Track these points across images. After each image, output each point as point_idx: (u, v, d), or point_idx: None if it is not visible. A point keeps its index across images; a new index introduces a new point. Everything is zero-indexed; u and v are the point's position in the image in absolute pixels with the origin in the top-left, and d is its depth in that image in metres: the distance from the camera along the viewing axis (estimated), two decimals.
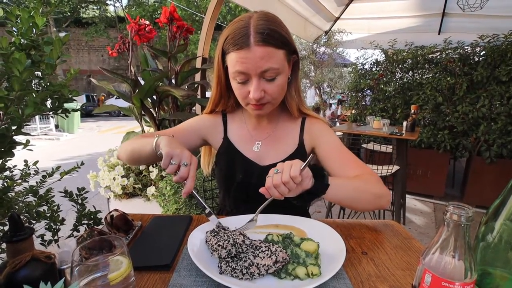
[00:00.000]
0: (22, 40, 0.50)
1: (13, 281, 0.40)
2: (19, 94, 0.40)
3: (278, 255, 0.57)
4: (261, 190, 0.67)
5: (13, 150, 0.46)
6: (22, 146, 0.48)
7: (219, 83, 0.92)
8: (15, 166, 0.69)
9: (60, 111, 0.51)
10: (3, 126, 0.42)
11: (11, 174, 0.73)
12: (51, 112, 0.50)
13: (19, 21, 0.53)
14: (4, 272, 0.39)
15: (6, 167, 0.53)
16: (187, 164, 0.68)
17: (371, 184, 0.81)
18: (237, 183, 0.94)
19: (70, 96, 0.51)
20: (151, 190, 1.97)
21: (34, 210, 0.76)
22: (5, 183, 0.57)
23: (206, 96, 2.81)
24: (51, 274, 0.44)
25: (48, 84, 0.49)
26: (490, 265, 0.43)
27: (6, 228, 0.66)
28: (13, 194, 0.68)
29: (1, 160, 0.47)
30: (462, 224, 0.37)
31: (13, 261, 0.40)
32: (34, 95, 0.44)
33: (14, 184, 0.60)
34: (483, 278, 0.44)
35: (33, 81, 0.51)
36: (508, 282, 0.42)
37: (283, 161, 0.90)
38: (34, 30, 0.49)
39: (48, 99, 0.48)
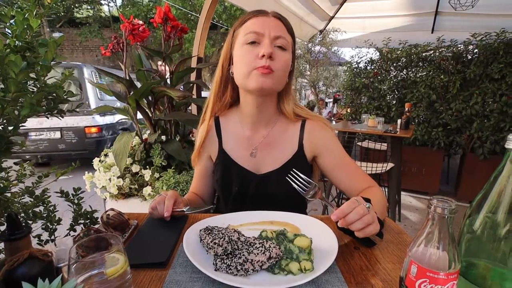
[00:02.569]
0: (17, 42, 0.50)
1: (11, 278, 0.41)
2: (15, 95, 0.41)
3: (272, 251, 0.59)
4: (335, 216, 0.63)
5: (10, 150, 0.47)
6: (19, 146, 0.48)
7: (222, 69, 0.94)
8: (10, 167, 0.69)
9: (55, 112, 0.52)
10: (0, 127, 0.43)
11: (7, 175, 0.73)
12: (46, 113, 0.50)
13: (13, 23, 0.54)
14: (2, 270, 0.40)
15: (3, 167, 0.53)
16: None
17: (384, 200, 0.87)
18: (233, 194, 0.94)
19: (65, 97, 0.52)
20: (147, 190, 1.97)
21: (30, 211, 0.76)
22: (1, 184, 0.57)
23: (202, 96, 2.82)
24: (49, 272, 0.45)
25: (43, 85, 0.50)
26: (475, 257, 0.45)
27: (2, 227, 0.67)
28: (9, 194, 0.69)
29: None
30: (446, 216, 0.39)
31: (11, 259, 0.41)
32: (30, 97, 0.45)
33: (10, 185, 0.60)
34: (468, 269, 0.46)
35: (28, 82, 0.52)
36: (492, 272, 0.44)
37: (282, 167, 0.92)
38: (28, 32, 0.50)
39: (43, 100, 0.49)
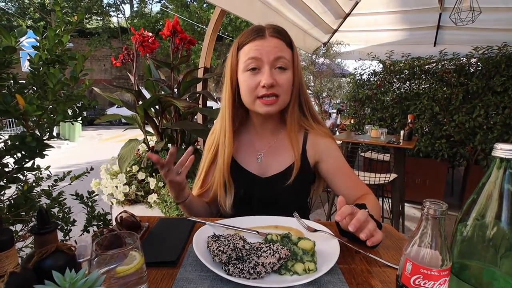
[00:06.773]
0: (48, 55, 0.56)
1: (40, 268, 0.45)
2: (52, 103, 0.46)
3: (281, 252, 0.61)
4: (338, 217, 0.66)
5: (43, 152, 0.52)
6: (52, 148, 0.53)
7: (233, 98, 0.93)
8: (39, 165, 0.74)
9: (79, 118, 0.57)
10: (39, 131, 0.48)
11: (24, 178, 0.78)
12: (72, 120, 0.55)
13: (44, 37, 0.60)
14: (33, 260, 0.44)
15: (36, 167, 0.58)
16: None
17: (378, 207, 0.91)
18: (240, 197, 0.97)
19: (89, 105, 0.57)
20: (152, 197, 2.01)
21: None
22: (32, 183, 0.62)
23: (208, 105, 2.88)
24: (72, 264, 0.48)
25: (70, 94, 0.55)
26: (467, 258, 0.48)
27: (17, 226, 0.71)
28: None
29: (32, 161, 0.53)
30: (437, 217, 0.43)
31: (40, 251, 0.45)
32: (64, 104, 0.50)
33: (34, 184, 0.65)
34: (461, 270, 0.49)
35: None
36: (484, 272, 0.47)
37: (286, 169, 0.96)
38: (59, 46, 0.55)
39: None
